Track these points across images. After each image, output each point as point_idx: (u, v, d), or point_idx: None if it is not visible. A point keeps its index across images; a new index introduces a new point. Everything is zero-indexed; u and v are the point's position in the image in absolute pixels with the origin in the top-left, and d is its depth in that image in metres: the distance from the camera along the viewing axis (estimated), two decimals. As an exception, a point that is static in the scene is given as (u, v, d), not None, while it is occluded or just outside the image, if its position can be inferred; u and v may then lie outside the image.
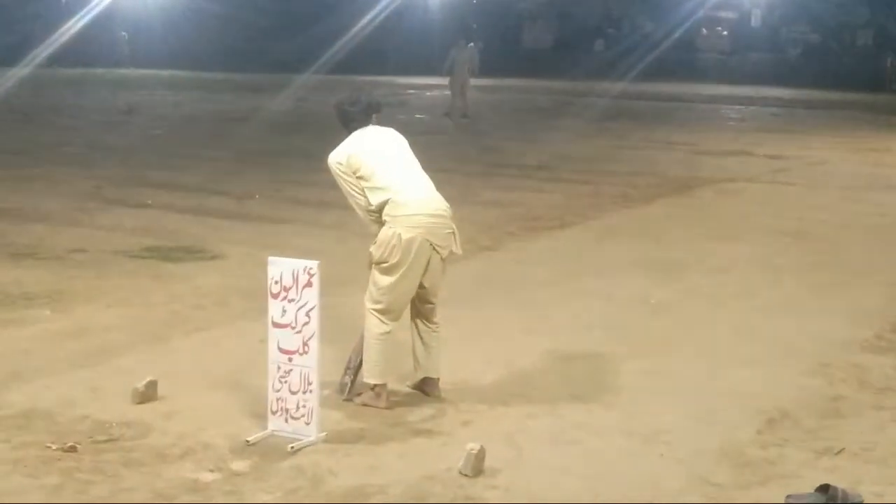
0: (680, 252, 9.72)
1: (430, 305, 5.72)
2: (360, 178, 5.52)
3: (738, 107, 28.12)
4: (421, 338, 5.73)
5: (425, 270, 5.52)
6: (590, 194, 13.16)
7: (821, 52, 39.16)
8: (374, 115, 5.82)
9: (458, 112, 22.61)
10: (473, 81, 23.41)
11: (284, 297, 5.10)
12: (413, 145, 5.86)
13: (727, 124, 23.54)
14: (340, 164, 5.58)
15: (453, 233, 5.66)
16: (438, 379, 5.77)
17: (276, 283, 5.11)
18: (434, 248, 5.52)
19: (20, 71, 29.37)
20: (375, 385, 5.56)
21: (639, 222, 11.52)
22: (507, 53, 41.81)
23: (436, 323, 5.75)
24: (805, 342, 7.01)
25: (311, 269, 5.07)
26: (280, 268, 5.13)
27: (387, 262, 5.45)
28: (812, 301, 8.12)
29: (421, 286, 5.58)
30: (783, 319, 7.57)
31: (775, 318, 7.60)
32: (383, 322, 5.53)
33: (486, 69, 24.38)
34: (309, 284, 5.06)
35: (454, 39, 23.31)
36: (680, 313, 7.64)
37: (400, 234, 5.41)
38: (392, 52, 39.01)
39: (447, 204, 5.68)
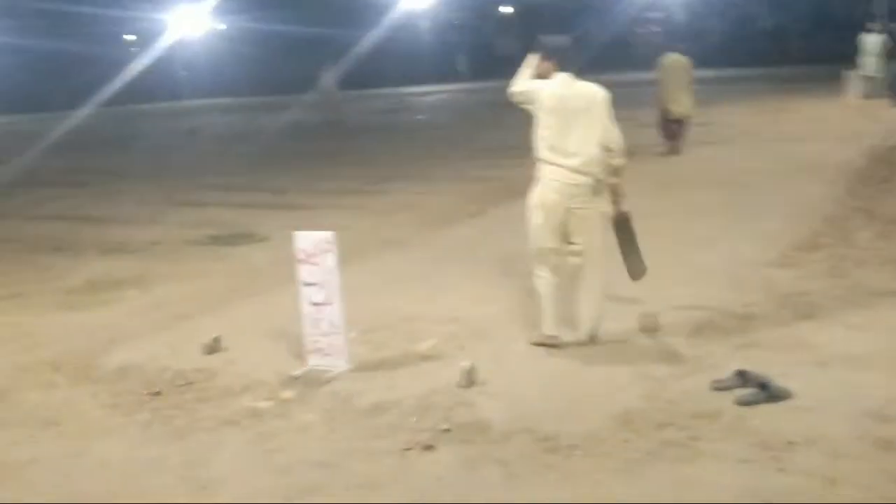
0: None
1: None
2: None
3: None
4: None
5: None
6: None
7: (733, 38, 38.79)
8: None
9: None
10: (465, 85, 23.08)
11: (310, 262, 5.17)
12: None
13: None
14: None
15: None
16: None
17: (302, 251, 5.19)
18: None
19: (98, 109, 29.33)
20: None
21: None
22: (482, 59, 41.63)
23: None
24: (723, 264, 7.06)
25: (328, 238, 5.14)
26: (304, 239, 5.20)
27: None
28: (728, 232, 8.15)
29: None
30: (705, 249, 7.60)
31: (699, 248, 7.63)
32: None
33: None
34: (327, 251, 5.13)
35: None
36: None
37: None
38: (389, 66, 38.78)
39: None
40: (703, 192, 10.25)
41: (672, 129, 13.62)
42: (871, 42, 19.74)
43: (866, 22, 20.51)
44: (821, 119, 16.79)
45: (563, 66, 5.28)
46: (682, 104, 13.49)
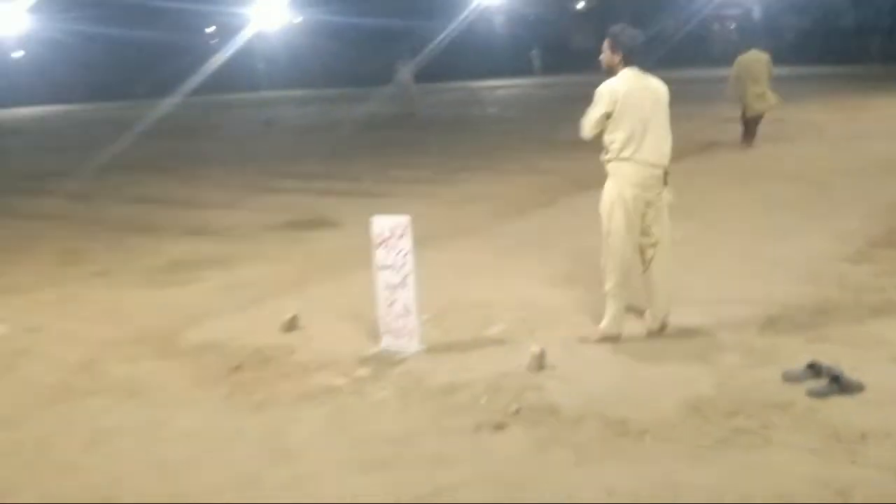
0: (700, 197, 9.63)
1: None
2: None
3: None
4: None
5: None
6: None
7: (810, 35, 37.89)
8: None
9: None
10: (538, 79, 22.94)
11: (385, 246, 5.26)
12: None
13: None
14: None
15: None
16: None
17: (378, 235, 5.28)
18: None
19: (180, 98, 30.03)
20: None
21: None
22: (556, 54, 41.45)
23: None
24: (798, 258, 6.95)
25: (403, 223, 5.22)
26: (380, 224, 5.28)
27: None
28: (803, 227, 8.01)
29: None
30: (780, 242, 7.49)
31: (774, 241, 7.53)
32: None
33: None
34: (403, 235, 5.21)
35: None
36: (699, 243, 7.61)
37: None
38: (464, 60, 38.83)
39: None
40: (779, 187, 10.10)
41: (753, 124, 13.42)
42: None
43: None
44: (901, 117, 16.35)
45: (630, 61, 5.22)
46: (766, 99, 13.26)
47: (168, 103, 28.19)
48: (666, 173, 5.24)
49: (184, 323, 6.13)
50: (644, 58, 5.30)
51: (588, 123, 5.18)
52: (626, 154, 5.12)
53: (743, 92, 13.28)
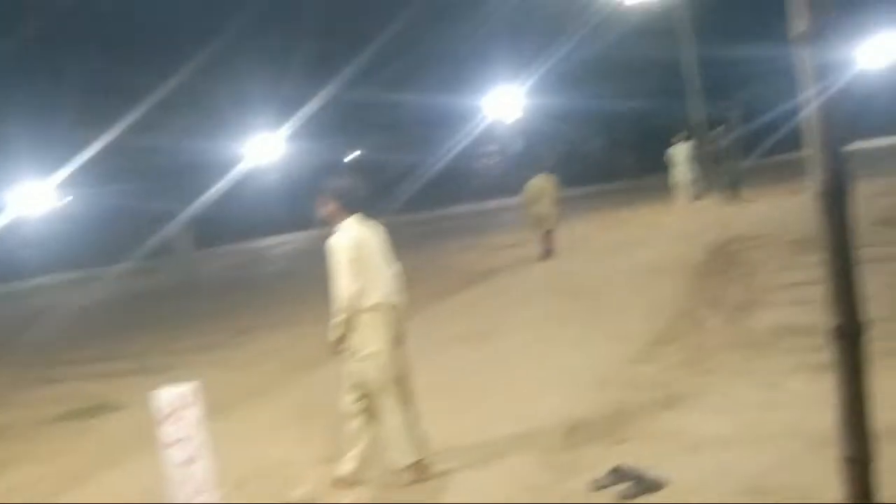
0: (488, 320, 9.88)
1: None
2: None
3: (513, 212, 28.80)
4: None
5: None
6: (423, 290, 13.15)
7: (568, 158, 40.75)
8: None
9: None
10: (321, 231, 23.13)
11: (172, 420, 4.91)
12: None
13: (510, 224, 24.12)
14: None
15: None
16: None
17: (162, 410, 4.93)
18: None
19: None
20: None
21: (458, 305, 11.69)
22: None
23: None
24: (587, 365, 7.19)
25: (188, 392, 4.92)
26: (163, 397, 4.95)
27: None
28: (588, 335, 8.34)
29: None
30: (570, 353, 7.74)
31: (563, 352, 7.77)
32: None
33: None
34: (190, 405, 4.90)
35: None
36: (495, 363, 7.72)
37: None
38: (241, 220, 38.61)
39: None
40: (561, 299, 10.53)
41: (546, 240, 15.00)
42: (678, 152, 21.39)
43: (670, 138, 22.11)
44: (657, 224, 17.70)
45: (350, 208, 5.18)
46: (548, 218, 15.06)
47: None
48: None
49: None
50: (362, 203, 5.25)
51: (346, 284, 5.00)
52: (372, 295, 5.06)
53: (533, 213, 14.98)
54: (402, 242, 5.98)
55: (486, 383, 7.17)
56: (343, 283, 5.00)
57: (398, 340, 5.18)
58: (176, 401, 4.91)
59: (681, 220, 17.73)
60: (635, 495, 4.41)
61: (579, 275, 12.63)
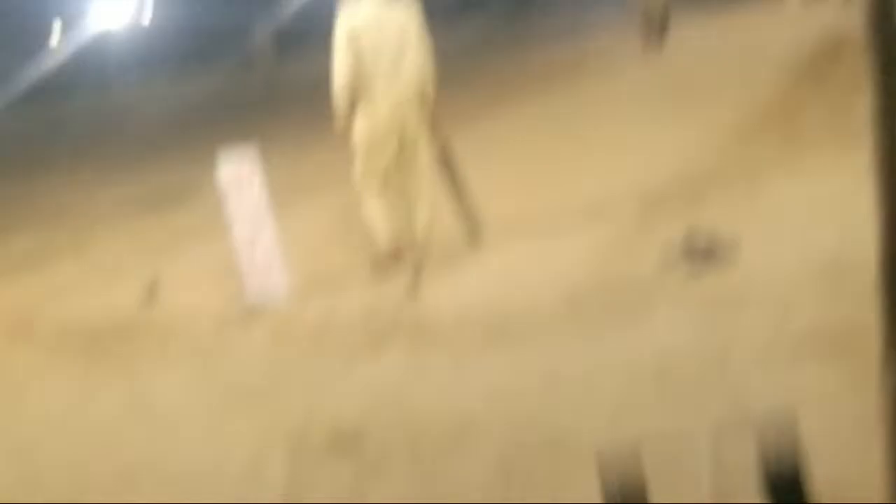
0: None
1: None
2: None
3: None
4: None
5: None
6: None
7: None
8: None
9: None
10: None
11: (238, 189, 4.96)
12: None
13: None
14: None
15: None
16: None
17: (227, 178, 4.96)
18: None
19: None
20: None
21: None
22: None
23: None
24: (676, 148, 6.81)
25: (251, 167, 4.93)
26: (228, 166, 4.97)
27: None
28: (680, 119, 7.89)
29: None
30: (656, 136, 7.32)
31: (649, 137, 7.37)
32: None
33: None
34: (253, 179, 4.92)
35: None
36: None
37: None
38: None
39: None
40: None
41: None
42: None
43: None
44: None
45: None
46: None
47: None
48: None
49: (40, 303, 5.72)
50: None
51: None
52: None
53: None
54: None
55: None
56: (334, 70, 4.78)
57: (410, 139, 4.91)
58: (237, 171, 4.94)
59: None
60: (705, 270, 4.26)
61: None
